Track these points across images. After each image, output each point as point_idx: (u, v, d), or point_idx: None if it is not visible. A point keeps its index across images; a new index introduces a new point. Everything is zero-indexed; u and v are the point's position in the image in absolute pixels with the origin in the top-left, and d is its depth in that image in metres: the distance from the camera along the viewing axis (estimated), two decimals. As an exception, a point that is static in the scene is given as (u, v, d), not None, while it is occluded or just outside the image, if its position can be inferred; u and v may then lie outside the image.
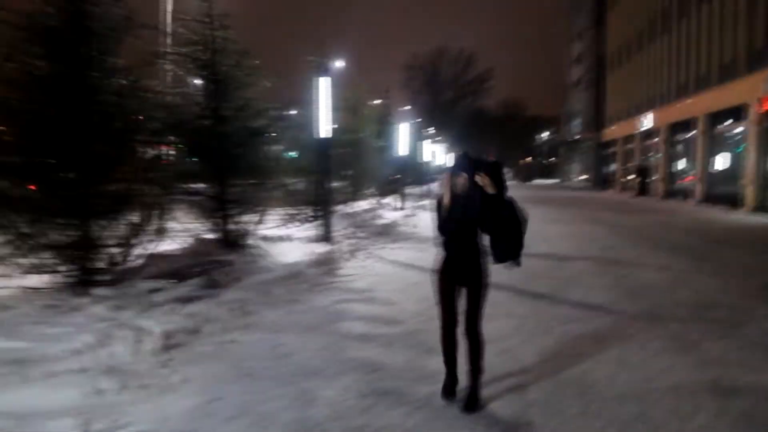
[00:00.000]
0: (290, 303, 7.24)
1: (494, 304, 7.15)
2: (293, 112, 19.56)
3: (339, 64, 36.94)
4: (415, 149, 33.91)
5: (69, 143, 7.27)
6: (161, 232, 8.25)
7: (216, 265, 8.82)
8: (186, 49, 11.08)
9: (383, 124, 28.29)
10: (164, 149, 9.70)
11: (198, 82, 11.47)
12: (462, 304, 4.34)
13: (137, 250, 8.02)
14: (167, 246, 9.27)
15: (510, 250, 4.26)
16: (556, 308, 7.18)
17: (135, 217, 7.92)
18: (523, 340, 5.80)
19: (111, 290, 7.15)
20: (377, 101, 29.94)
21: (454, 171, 4.23)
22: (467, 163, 4.19)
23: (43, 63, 7.29)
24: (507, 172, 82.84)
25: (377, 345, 5.59)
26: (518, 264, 4.33)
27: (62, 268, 7.33)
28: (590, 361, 5.19)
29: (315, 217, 16.09)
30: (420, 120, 53.67)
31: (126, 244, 7.83)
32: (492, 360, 5.10)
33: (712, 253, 11.99)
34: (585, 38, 58.11)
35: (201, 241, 10.14)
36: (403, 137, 28.04)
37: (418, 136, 37.65)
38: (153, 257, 8.33)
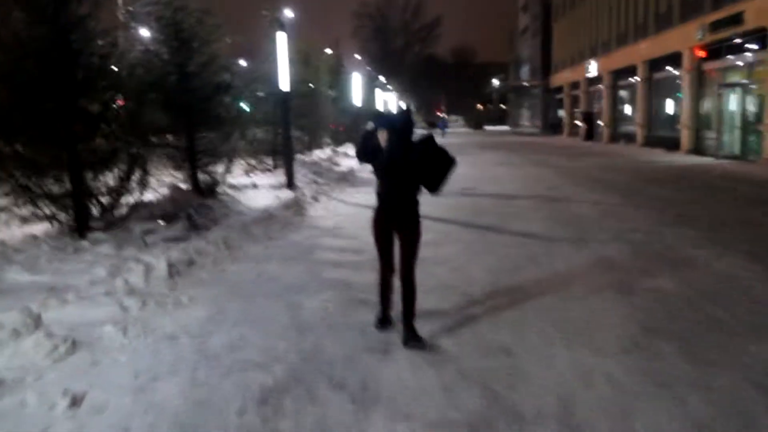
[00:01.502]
0: (268, 239, 8.22)
1: (446, 233, 8.33)
2: (245, 63, 20.06)
3: (290, 14, 37.01)
4: (368, 98, 34.64)
5: (56, 102, 7.97)
6: (144, 182, 9.05)
7: (194, 210, 9.68)
8: (151, 9, 11.67)
9: (336, 74, 28.94)
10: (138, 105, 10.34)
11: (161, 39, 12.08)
12: (397, 251, 4.56)
13: (124, 199, 8.82)
14: (147, 195, 10.07)
15: (435, 182, 4.52)
16: (499, 236, 8.32)
17: (120, 169, 8.71)
18: (470, 259, 6.93)
19: (105, 234, 7.99)
20: (329, 51, 30.41)
21: (378, 127, 4.49)
22: (386, 120, 4.52)
23: (29, 27, 7.90)
24: (457, 120, 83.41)
25: (347, 269, 6.62)
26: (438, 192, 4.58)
27: (59, 216, 8.11)
28: (523, 272, 6.35)
29: (276, 166, 16.99)
30: (371, 69, 53.87)
31: (114, 193, 8.63)
32: (444, 274, 6.25)
33: (642, 190, 13.31)
34: (532, -15, 58.79)
35: (177, 190, 10.93)
36: (355, 87, 28.72)
37: (370, 85, 38.28)
38: (137, 205, 9.13)
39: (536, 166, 20.09)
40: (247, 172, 16.28)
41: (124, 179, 8.66)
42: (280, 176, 14.70)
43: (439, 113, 59.41)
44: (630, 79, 32.02)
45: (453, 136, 49.38)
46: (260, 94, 17.86)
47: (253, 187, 13.48)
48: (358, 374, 3.93)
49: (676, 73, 26.07)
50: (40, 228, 8.10)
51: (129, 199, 9.01)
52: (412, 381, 3.85)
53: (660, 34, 27.31)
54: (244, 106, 18.14)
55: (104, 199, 8.51)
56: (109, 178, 8.58)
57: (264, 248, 7.77)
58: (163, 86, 11.22)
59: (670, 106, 27.99)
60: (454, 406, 3.51)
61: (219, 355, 4.33)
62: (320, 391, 3.69)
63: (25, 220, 8.05)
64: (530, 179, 15.75)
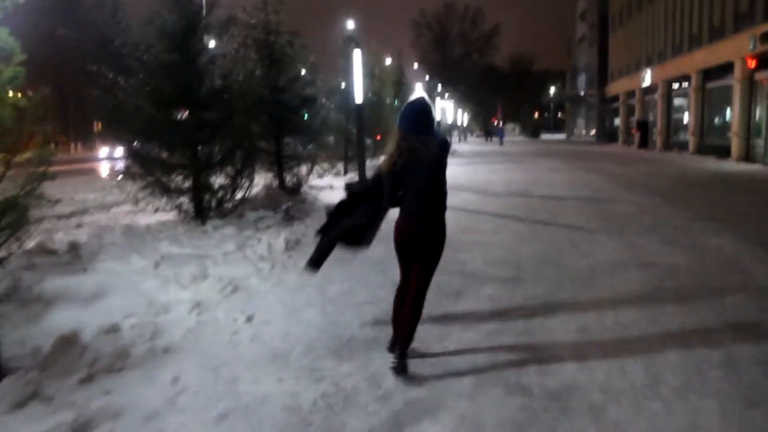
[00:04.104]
0: (354, 227, 9.94)
1: (502, 225, 9.85)
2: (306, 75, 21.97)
3: (352, 26, 38.98)
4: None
5: (186, 114, 9.90)
6: (251, 180, 10.90)
7: (287, 204, 11.50)
8: (248, 32, 13.61)
9: (398, 85, 30.74)
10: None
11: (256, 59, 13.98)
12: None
13: (234, 194, 10.67)
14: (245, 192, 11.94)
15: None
16: (547, 228, 9.84)
17: (232, 168, 10.56)
18: (521, 244, 8.50)
19: (222, 221, 9.83)
20: (389, 61, 32.22)
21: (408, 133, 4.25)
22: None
23: (166, 54, 9.81)
24: (513, 129, 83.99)
25: (422, 248, 8.25)
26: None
27: (184, 206, 10.00)
28: (565, 253, 7.88)
29: (347, 170, 18.87)
30: (430, 78, 55.43)
31: (227, 188, 10.48)
32: (501, 254, 7.80)
33: (683, 194, 14.57)
34: (589, -4, 59.61)
35: (269, 188, 12.81)
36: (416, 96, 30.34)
37: (429, 95, 39.89)
38: (242, 199, 10.98)
39: (588, 172, 21.39)
40: (321, 175, 18.17)
41: (235, 177, 10.51)
42: (353, 179, 16.50)
43: (495, 122, 60.71)
44: (684, 88, 32.88)
45: (510, 144, 50.75)
46: (329, 104, 19.76)
47: (329, 188, 15.28)
48: (439, 309, 5.57)
49: (729, 82, 26.91)
50: (165, 216, 9.99)
51: (237, 194, 10.87)
52: (472, 309, 5.47)
53: (713, 44, 28.20)
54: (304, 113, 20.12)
55: (220, 193, 10.37)
56: (222, 177, 10.44)
57: (352, 233, 9.49)
58: (261, 100, 13.12)
59: (722, 115, 28.81)
60: (506, 322, 5.13)
61: (337, 298, 6.04)
62: (414, 317, 5.33)
63: (158, 209, 9.96)
64: (580, 183, 17.14)
